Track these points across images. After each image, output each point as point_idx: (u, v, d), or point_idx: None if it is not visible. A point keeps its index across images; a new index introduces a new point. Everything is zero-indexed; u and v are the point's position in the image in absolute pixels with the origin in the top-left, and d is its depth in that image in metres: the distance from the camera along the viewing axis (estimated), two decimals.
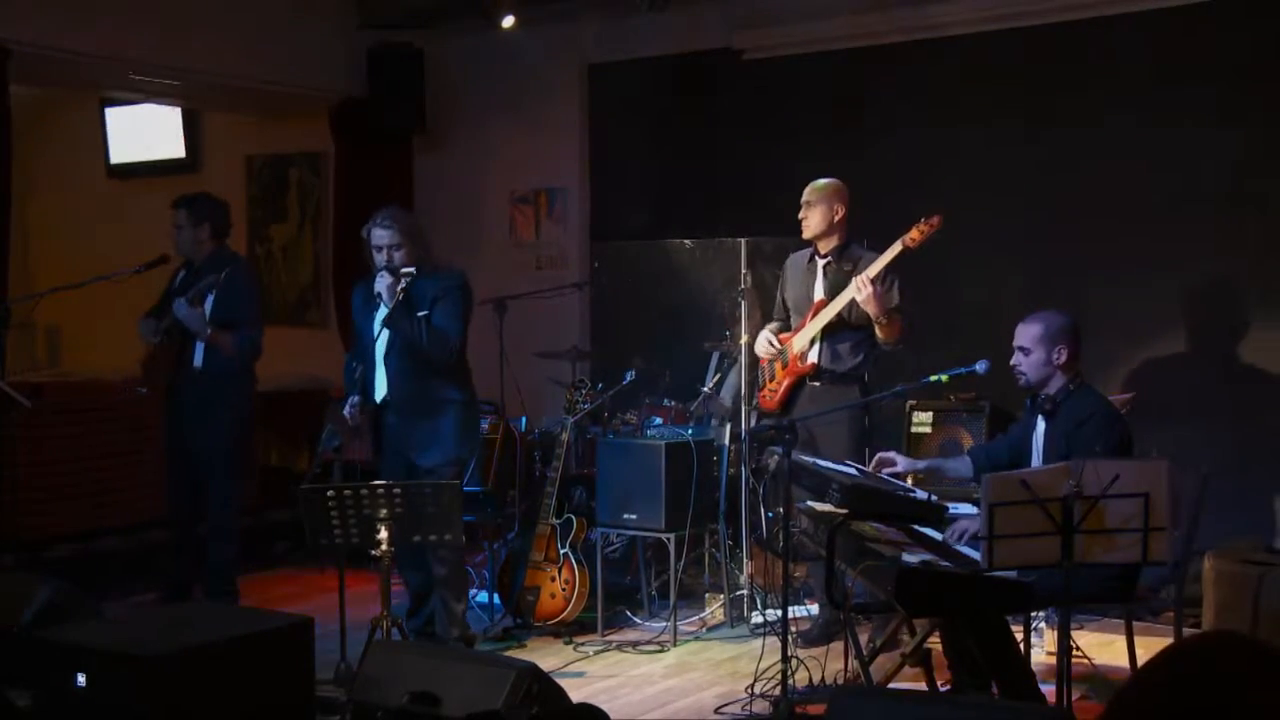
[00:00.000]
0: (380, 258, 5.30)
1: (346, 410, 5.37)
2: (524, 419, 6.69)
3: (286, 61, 7.58)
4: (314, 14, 7.70)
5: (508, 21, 7.22)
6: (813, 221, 5.56)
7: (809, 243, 5.67)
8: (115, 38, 6.85)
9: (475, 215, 8.09)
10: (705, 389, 6.47)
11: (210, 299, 5.79)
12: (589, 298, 7.68)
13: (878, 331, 5.40)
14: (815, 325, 5.53)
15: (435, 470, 5.26)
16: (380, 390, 5.38)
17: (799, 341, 5.57)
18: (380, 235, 5.31)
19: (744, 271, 6.01)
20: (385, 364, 5.36)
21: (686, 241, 7.11)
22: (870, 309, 5.29)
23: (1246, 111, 5.94)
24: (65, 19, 6.60)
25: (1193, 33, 6.00)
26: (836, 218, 5.56)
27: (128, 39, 6.90)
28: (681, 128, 7.40)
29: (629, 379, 6.20)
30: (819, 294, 5.59)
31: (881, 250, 5.43)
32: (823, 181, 5.60)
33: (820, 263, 5.61)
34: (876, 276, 5.27)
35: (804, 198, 5.59)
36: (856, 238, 5.61)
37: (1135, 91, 6.17)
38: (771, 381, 5.67)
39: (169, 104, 8.87)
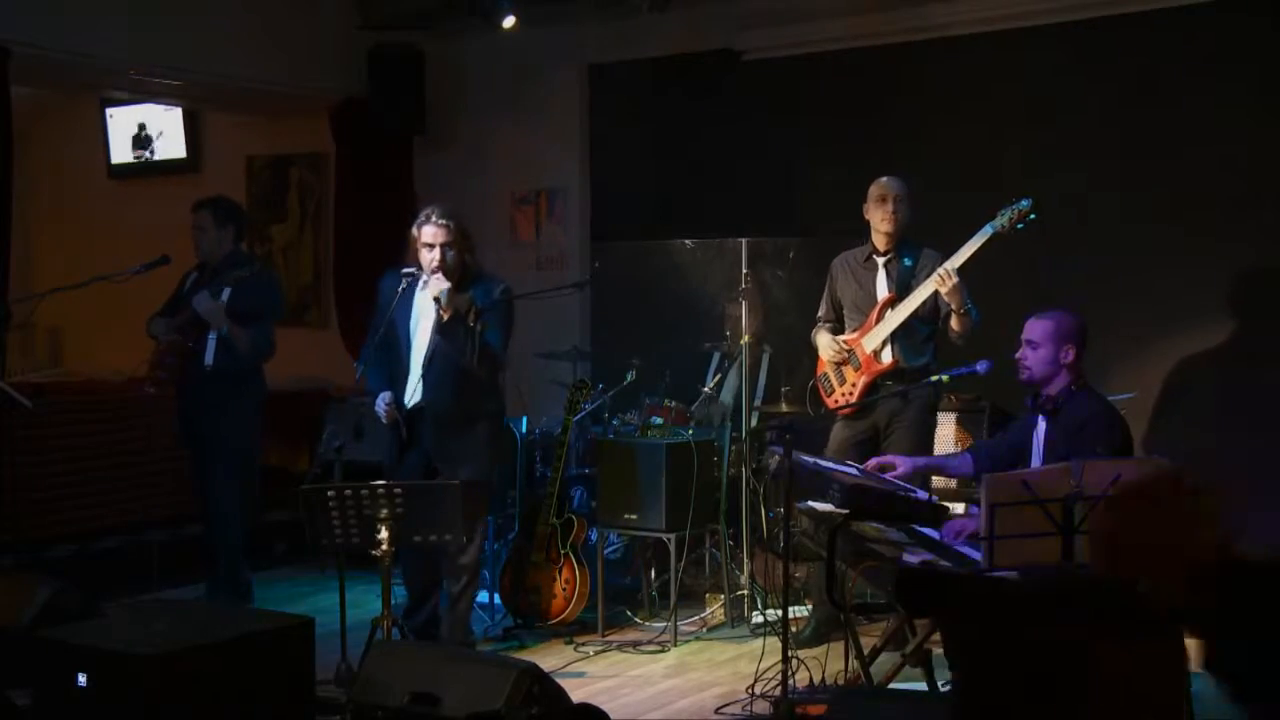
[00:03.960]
0: (430, 255, 5.17)
1: (380, 407, 5.29)
2: (524, 419, 6.68)
3: (287, 62, 7.58)
4: (314, 14, 7.69)
5: (508, 22, 7.22)
6: (903, 216, 5.50)
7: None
8: (115, 38, 6.84)
9: (475, 215, 8.02)
10: (705, 389, 6.47)
11: (227, 293, 5.80)
12: (589, 298, 7.68)
13: (952, 323, 5.36)
14: (890, 323, 5.45)
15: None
16: (413, 396, 5.27)
17: (870, 341, 5.51)
18: (432, 232, 5.18)
19: (744, 271, 6.01)
20: (425, 372, 5.24)
21: (686, 241, 7.11)
22: (953, 301, 5.25)
23: (1251, 110, 5.94)
24: (65, 19, 6.60)
25: (1193, 32, 5.99)
26: (911, 215, 5.55)
27: (128, 39, 6.90)
28: (681, 128, 7.40)
29: (629, 379, 6.20)
30: (884, 291, 5.55)
31: (933, 247, 5.43)
32: (898, 179, 5.55)
33: (881, 260, 5.57)
34: (962, 267, 5.23)
35: (890, 193, 5.50)
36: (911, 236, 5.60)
37: (1137, 91, 6.16)
38: (842, 385, 5.60)
39: (169, 104, 8.87)
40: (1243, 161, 5.94)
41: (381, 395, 5.30)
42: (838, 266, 5.75)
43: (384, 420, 5.30)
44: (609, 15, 7.44)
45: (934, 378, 5.05)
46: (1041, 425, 4.54)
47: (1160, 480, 2.02)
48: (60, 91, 9.09)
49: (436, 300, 5.13)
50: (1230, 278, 6.04)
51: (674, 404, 6.50)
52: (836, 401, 5.60)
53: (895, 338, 5.47)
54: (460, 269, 5.24)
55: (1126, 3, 6.15)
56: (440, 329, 5.19)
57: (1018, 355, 4.52)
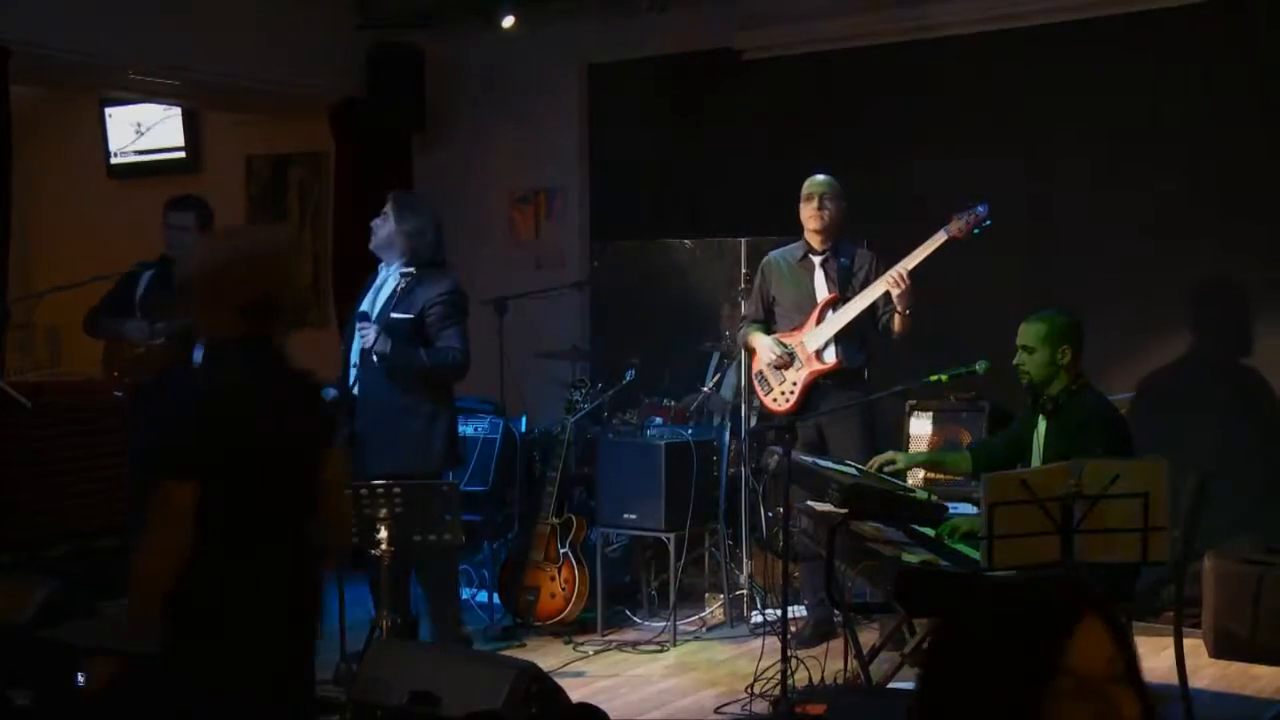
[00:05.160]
0: None
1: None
2: (524, 419, 6.69)
3: (286, 61, 7.57)
4: (314, 14, 7.69)
5: (508, 21, 7.22)
6: (831, 215, 5.53)
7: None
8: (115, 38, 6.84)
9: (475, 215, 8.08)
10: (705, 389, 6.47)
11: None
12: (589, 298, 7.68)
13: (895, 323, 5.38)
14: (836, 322, 5.47)
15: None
16: (354, 385, 5.28)
17: (813, 340, 5.52)
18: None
19: (744, 271, 6.01)
20: (361, 361, 5.24)
21: (686, 241, 7.11)
22: (902, 303, 5.28)
23: (1247, 111, 5.94)
24: (65, 19, 6.59)
25: (1193, 32, 5.99)
26: (844, 215, 5.57)
27: (128, 39, 6.89)
28: (682, 128, 7.40)
29: (629, 379, 6.20)
30: (824, 291, 5.56)
31: (866, 247, 5.47)
32: (828, 178, 5.59)
33: (817, 260, 5.60)
34: (914, 270, 5.26)
35: (816, 192, 5.54)
36: (845, 235, 5.65)
37: (1136, 91, 6.16)
38: (780, 385, 5.62)
39: (169, 104, 8.86)
40: (1244, 161, 5.94)
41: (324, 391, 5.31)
42: (773, 265, 5.74)
43: None
44: (609, 15, 7.44)
45: (933, 377, 5.05)
46: (1041, 425, 4.54)
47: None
48: (60, 91, 9.08)
49: (362, 335, 5.16)
50: (1231, 277, 6.05)
51: (674, 404, 6.50)
52: (774, 400, 5.60)
53: (838, 338, 5.49)
54: (409, 254, 5.24)
55: (1125, 3, 6.15)
56: (388, 373, 5.15)
57: (1016, 361, 4.52)
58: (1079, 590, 1.50)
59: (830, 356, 5.52)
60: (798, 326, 5.58)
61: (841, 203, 5.57)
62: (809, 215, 5.55)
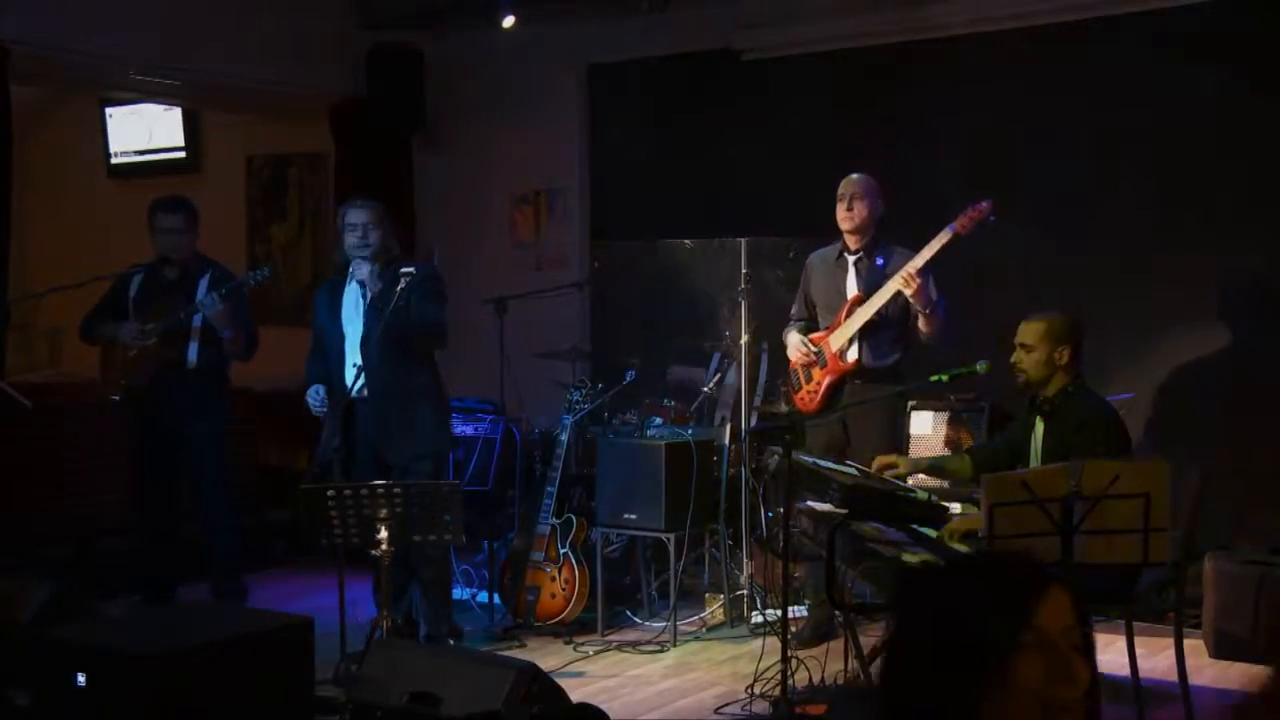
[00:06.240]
0: (353, 237, 5.35)
1: (313, 401, 5.36)
2: (524, 419, 6.68)
3: (286, 61, 7.58)
4: (314, 14, 7.69)
5: (508, 21, 7.21)
6: (860, 215, 5.50)
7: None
8: (115, 38, 6.84)
9: (475, 215, 8.08)
10: (705, 389, 6.47)
11: (217, 297, 5.82)
12: (589, 298, 7.68)
13: (920, 324, 5.38)
14: (855, 322, 5.47)
15: (410, 466, 5.27)
16: (355, 385, 5.28)
17: (837, 340, 5.52)
18: (356, 214, 5.38)
19: (744, 271, 6.01)
20: (362, 356, 5.30)
21: (686, 241, 7.10)
22: (917, 302, 5.27)
23: (1248, 111, 5.94)
24: (65, 19, 6.60)
25: (1195, 31, 5.99)
26: (879, 213, 5.55)
27: (128, 39, 6.90)
28: (681, 128, 7.40)
29: (629, 379, 6.20)
30: (853, 290, 5.56)
31: (906, 245, 5.45)
32: (861, 175, 5.57)
33: (851, 259, 5.58)
34: (923, 268, 5.26)
35: (845, 192, 5.52)
36: (884, 235, 5.63)
37: (1136, 91, 6.16)
38: (809, 383, 5.62)
39: (169, 104, 8.86)
40: (1244, 161, 5.94)
41: (313, 389, 5.40)
42: (813, 264, 5.77)
43: (316, 412, 5.39)
44: (609, 15, 7.43)
45: (933, 377, 5.05)
46: (1040, 427, 4.54)
47: None
48: (60, 91, 9.08)
49: (362, 284, 5.28)
50: (1230, 277, 6.05)
51: (674, 404, 6.50)
52: (802, 399, 5.62)
53: (862, 337, 5.49)
54: (388, 249, 5.40)
55: (1126, 3, 6.15)
56: (371, 310, 5.29)
57: (1013, 359, 4.52)
58: (1046, 566, 1.67)
59: (852, 355, 5.51)
60: (831, 326, 5.59)
61: (874, 200, 5.52)
62: (840, 216, 5.53)
